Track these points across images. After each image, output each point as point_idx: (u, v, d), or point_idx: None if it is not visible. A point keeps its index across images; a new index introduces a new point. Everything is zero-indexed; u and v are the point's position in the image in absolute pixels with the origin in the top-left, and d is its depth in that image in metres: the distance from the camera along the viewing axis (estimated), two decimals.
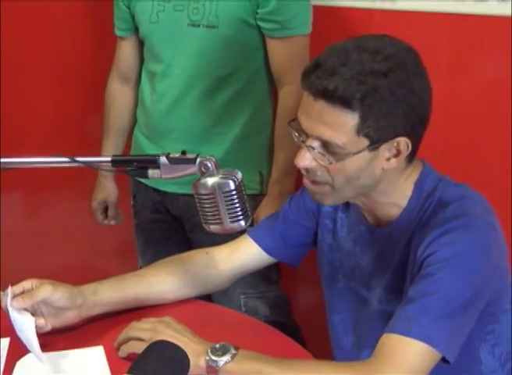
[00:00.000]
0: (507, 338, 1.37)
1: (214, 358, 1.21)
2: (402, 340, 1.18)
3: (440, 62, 1.84)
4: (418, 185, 1.34)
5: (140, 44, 1.95)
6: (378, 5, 1.93)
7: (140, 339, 1.27)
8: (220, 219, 1.25)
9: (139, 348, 1.12)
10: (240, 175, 1.25)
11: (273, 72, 1.85)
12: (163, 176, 1.25)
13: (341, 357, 1.54)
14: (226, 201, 1.23)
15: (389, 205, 1.35)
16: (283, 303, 2.02)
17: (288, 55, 1.80)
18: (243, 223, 1.26)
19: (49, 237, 2.60)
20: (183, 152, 1.26)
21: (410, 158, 1.31)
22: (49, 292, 1.31)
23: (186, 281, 1.50)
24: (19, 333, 1.28)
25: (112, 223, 2.17)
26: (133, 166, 1.26)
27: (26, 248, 2.55)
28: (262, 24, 1.79)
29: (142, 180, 1.98)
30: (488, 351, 1.35)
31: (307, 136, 1.26)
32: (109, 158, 1.26)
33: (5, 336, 1.34)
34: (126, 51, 2.00)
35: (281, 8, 1.76)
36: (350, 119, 1.21)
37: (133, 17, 1.91)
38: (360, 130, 1.21)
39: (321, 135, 1.23)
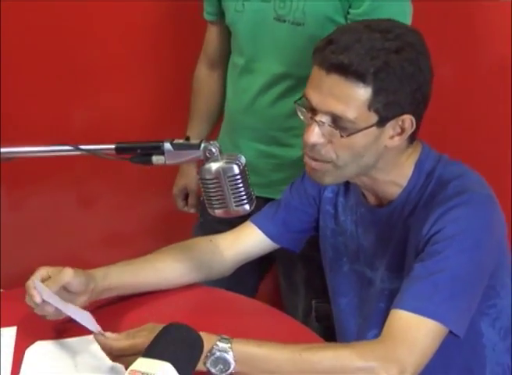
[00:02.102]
0: (507, 313, 1.40)
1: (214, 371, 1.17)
2: (414, 318, 1.20)
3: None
4: (419, 165, 1.36)
5: (228, 31, 1.86)
6: None
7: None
8: (225, 203, 1.26)
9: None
10: (243, 159, 1.26)
11: None
12: (167, 162, 1.25)
13: (344, 339, 1.55)
14: (231, 185, 1.24)
15: (389, 183, 1.37)
16: None
17: None
18: (247, 206, 1.27)
19: (34, 229, 2.59)
20: (187, 138, 1.26)
21: (412, 138, 1.33)
22: (71, 276, 1.31)
23: (192, 267, 1.51)
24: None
25: (192, 211, 2.10)
26: (137, 153, 1.26)
27: (9, 240, 2.53)
28: None
29: None
30: (489, 324, 1.38)
31: (316, 112, 1.28)
32: (113, 146, 1.26)
33: (12, 325, 1.35)
34: (213, 35, 1.93)
35: (375, 10, 1.61)
36: (362, 93, 1.23)
37: (220, 2, 1.83)
38: (372, 105, 1.24)
39: (333, 109, 1.25)
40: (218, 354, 1.17)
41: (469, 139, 1.96)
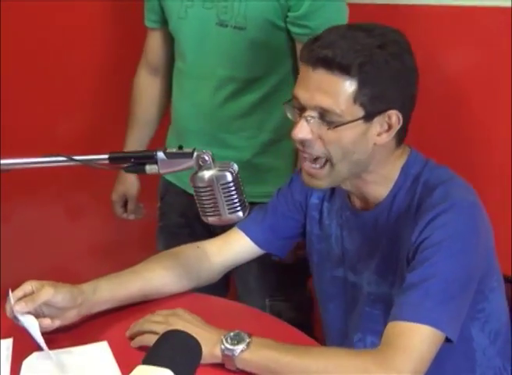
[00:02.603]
0: (496, 316, 1.42)
1: (229, 347, 1.23)
2: (409, 326, 1.21)
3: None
4: (405, 169, 1.39)
5: (171, 37, 1.89)
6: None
7: (153, 332, 1.28)
8: (218, 210, 1.27)
9: (152, 341, 1.14)
10: (236, 167, 1.27)
11: None
12: (161, 171, 1.26)
13: (331, 342, 1.57)
14: (224, 193, 1.25)
15: (376, 184, 1.39)
16: (308, 306, 1.99)
17: None
18: (240, 213, 1.28)
19: (23, 240, 2.58)
20: (180, 147, 1.27)
21: (400, 138, 1.36)
22: (51, 294, 1.31)
23: (181, 275, 1.52)
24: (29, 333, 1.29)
25: (131, 217, 2.12)
26: (130, 162, 1.27)
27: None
28: (292, 28, 1.71)
29: (174, 183, 1.96)
30: (479, 328, 1.39)
31: (305, 109, 1.31)
32: (106, 156, 1.26)
33: (8, 336, 1.35)
34: (155, 42, 1.95)
35: (313, 13, 1.67)
36: (348, 86, 1.27)
37: (162, 10, 1.86)
38: (357, 98, 1.27)
39: (320, 103, 1.28)
40: (236, 332, 1.24)
41: (457, 144, 1.98)
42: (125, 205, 2.11)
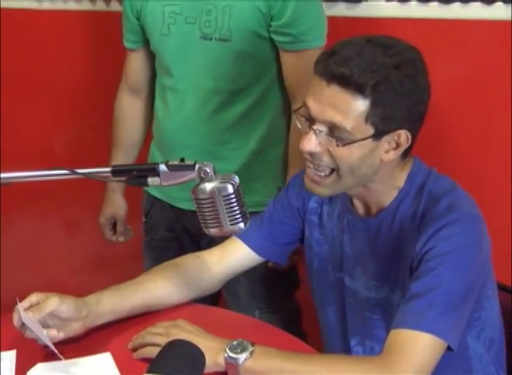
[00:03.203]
0: (491, 324, 1.43)
1: (232, 355, 1.24)
2: (412, 334, 1.23)
3: None
4: (410, 177, 1.40)
5: (151, 56, 1.90)
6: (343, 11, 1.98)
7: (156, 344, 1.30)
8: (220, 222, 1.28)
9: (154, 353, 1.15)
10: (237, 179, 1.28)
11: (287, 85, 1.80)
12: (163, 184, 1.27)
13: (329, 346, 1.59)
14: (225, 204, 1.26)
15: (382, 193, 1.40)
16: (297, 316, 2.01)
17: (302, 67, 1.70)
18: (242, 225, 1.28)
19: (20, 255, 2.59)
20: (182, 159, 1.28)
21: (406, 153, 1.37)
22: (57, 304, 1.33)
23: (182, 285, 1.53)
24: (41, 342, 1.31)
25: (121, 239, 2.12)
26: (132, 175, 1.28)
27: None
28: (276, 37, 1.74)
29: (159, 197, 1.97)
30: (475, 336, 1.41)
31: (314, 121, 1.31)
32: (109, 169, 1.27)
33: (12, 348, 1.36)
34: (136, 63, 1.96)
35: (295, 21, 1.71)
36: (360, 105, 1.26)
37: (142, 29, 1.87)
38: (369, 118, 1.27)
39: (331, 119, 1.28)
40: (239, 341, 1.25)
41: (450, 156, 2.00)
42: (113, 227, 2.11)
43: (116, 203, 2.08)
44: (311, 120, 1.32)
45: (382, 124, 1.29)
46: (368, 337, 1.46)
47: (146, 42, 1.89)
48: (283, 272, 1.83)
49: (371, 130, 1.29)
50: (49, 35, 2.45)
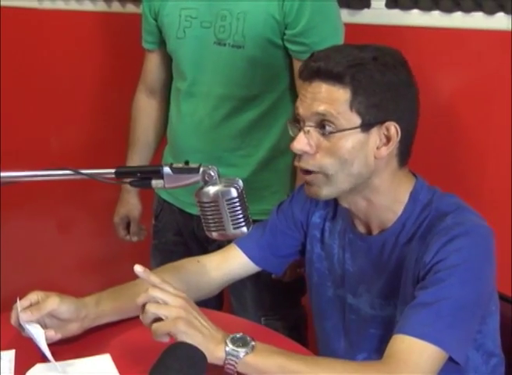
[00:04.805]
0: (491, 338, 1.43)
1: (234, 348, 1.21)
2: (418, 343, 1.22)
3: None
4: (414, 195, 1.40)
5: (168, 58, 1.91)
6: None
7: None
8: (223, 226, 1.28)
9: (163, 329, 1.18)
10: (241, 183, 1.28)
11: None
12: (166, 186, 1.27)
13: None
14: (229, 208, 1.26)
15: (385, 209, 1.40)
16: (302, 323, 2.00)
17: None
18: (245, 229, 1.29)
19: (19, 254, 2.58)
20: (186, 162, 1.28)
21: (402, 157, 1.37)
22: (56, 304, 1.33)
23: (181, 289, 1.52)
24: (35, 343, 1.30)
25: (134, 239, 2.12)
26: (136, 177, 1.28)
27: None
28: (289, 46, 1.73)
29: (169, 201, 1.97)
30: (474, 348, 1.40)
31: (304, 122, 1.33)
32: (113, 170, 1.27)
33: (11, 348, 1.35)
34: (153, 64, 1.97)
35: (310, 30, 1.70)
36: (342, 94, 1.30)
37: (160, 31, 1.88)
38: (353, 105, 1.30)
39: (316, 109, 1.31)
40: (240, 335, 1.23)
41: (450, 165, 2.02)
42: (127, 227, 2.11)
43: (131, 203, 2.08)
44: (300, 123, 1.35)
45: (367, 113, 1.30)
46: (375, 352, 1.44)
47: (163, 44, 1.90)
48: (288, 283, 1.83)
49: (357, 120, 1.31)
50: (49, 35, 2.45)
